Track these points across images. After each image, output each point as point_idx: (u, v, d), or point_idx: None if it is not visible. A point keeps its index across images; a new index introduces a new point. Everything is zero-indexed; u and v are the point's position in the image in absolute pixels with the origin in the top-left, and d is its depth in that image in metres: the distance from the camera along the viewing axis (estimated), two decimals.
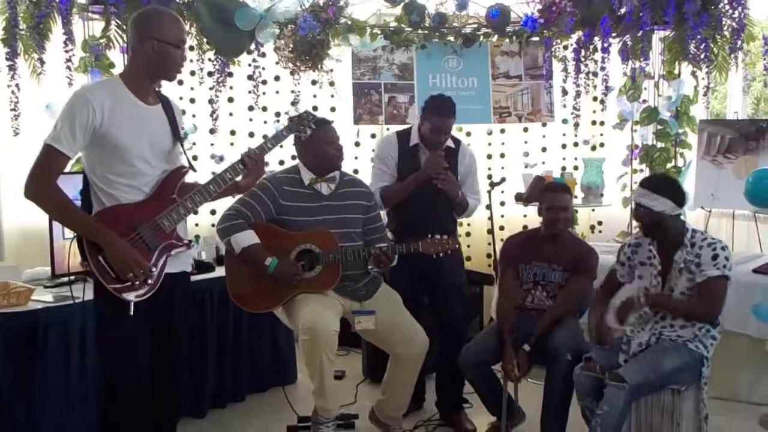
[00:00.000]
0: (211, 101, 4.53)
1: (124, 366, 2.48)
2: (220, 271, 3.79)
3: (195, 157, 4.47)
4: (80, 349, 3.09)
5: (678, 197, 2.91)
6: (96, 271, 2.39)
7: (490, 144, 5.31)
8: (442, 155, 3.48)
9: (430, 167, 3.46)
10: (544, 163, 5.28)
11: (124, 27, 3.94)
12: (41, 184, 2.37)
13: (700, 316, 2.88)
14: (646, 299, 2.90)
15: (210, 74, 4.51)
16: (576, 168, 5.25)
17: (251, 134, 4.92)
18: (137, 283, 2.43)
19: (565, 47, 4.85)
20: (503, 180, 4.26)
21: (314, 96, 4.94)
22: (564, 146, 5.36)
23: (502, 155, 5.32)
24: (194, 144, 4.59)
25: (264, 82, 4.69)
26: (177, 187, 2.59)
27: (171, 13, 2.58)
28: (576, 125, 4.88)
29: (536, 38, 4.94)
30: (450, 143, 3.63)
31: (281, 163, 4.92)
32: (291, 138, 4.74)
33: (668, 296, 2.95)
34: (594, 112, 5.24)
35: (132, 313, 2.42)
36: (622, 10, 4.47)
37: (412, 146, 3.62)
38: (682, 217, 3.03)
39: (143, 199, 2.49)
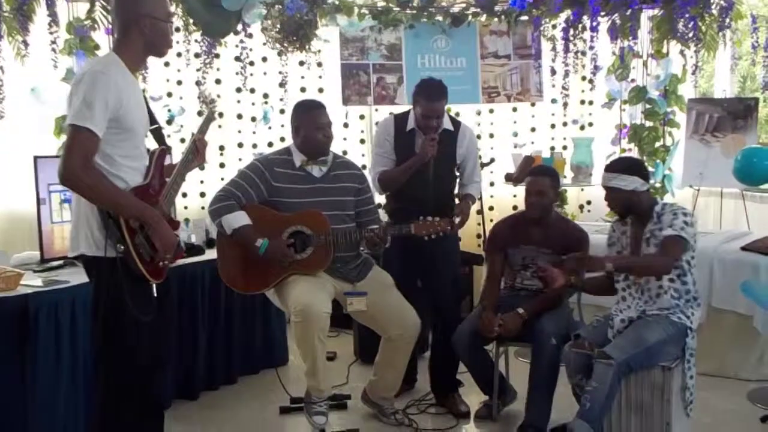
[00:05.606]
0: (198, 83, 4.48)
1: (138, 346, 2.44)
2: (209, 254, 3.78)
3: (183, 140, 4.44)
4: (70, 333, 3.07)
5: (644, 173, 3.03)
6: (134, 253, 2.33)
7: (479, 124, 5.30)
8: (434, 139, 3.37)
9: (424, 153, 3.37)
10: (533, 143, 5.30)
11: (109, 8, 3.89)
12: (84, 169, 2.24)
13: (654, 271, 2.92)
14: (612, 261, 2.91)
15: (197, 56, 4.46)
16: (565, 148, 5.27)
17: (239, 116, 4.88)
18: (166, 263, 2.47)
19: (554, 26, 4.85)
20: (492, 160, 4.28)
21: (302, 77, 4.91)
22: (553, 126, 5.37)
23: (492, 135, 5.33)
24: (182, 126, 4.55)
25: (251, 63, 4.66)
26: (163, 168, 2.57)
27: None
28: (565, 105, 4.89)
29: (525, 17, 4.93)
30: (448, 125, 3.54)
31: (270, 144, 4.90)
32: (279, 119, 4.83)
33: (627, 257, 3.05)
34: (583, 91, 5.25)
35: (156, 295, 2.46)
36: None
37: (408, 131, 3.54)
38: (651, 192, 3.15)
39: (146, 181, 2.45)
